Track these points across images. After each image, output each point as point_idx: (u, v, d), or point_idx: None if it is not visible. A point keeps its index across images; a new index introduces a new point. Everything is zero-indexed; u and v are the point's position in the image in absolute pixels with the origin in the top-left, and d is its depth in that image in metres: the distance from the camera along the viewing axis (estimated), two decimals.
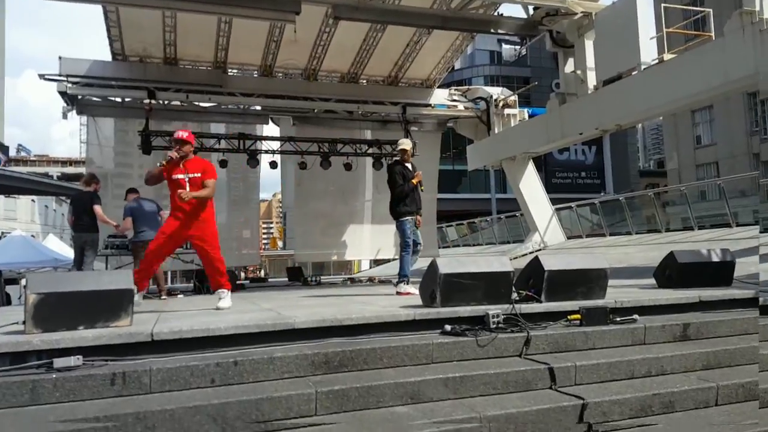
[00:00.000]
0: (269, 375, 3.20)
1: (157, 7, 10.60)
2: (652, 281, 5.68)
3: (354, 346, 3.46)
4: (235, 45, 12.95)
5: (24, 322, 3.49)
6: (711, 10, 10.61)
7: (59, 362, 3.07)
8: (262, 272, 28.38)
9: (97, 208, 8.09)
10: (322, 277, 14.91)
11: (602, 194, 33.51)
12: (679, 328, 4.05)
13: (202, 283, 9.65)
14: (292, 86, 14.23)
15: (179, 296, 8.67)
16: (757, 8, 8.15)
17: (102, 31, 12.13)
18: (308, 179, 15.03)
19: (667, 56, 9.81)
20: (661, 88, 9.46)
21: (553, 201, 15.37)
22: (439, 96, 15.38)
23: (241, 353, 3.31)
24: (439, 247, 19.76)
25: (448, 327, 3.84)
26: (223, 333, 3.45)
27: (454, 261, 4.46)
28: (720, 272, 5.40)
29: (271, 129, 15.39)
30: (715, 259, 5.46)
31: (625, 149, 43.05)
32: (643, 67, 9.88)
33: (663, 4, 11.10)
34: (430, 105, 15.22)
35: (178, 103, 13.81)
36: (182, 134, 5.24)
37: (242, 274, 22.55)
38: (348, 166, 14.45)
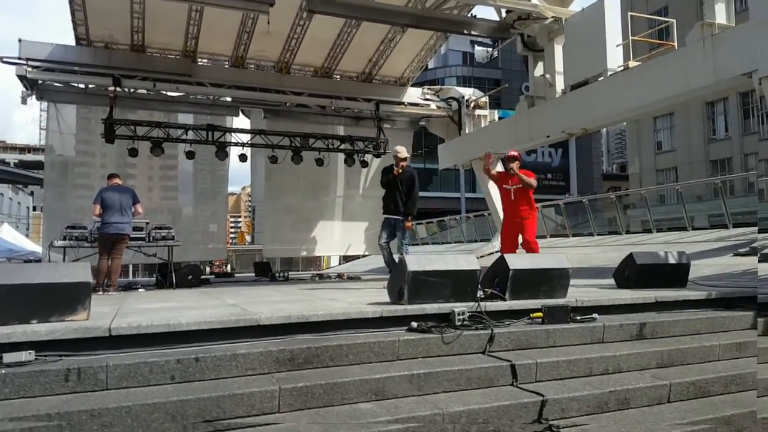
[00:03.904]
0: (232, 372, 3.15)
1: None
2: (612, 281, 5.85)
3: (320, 342, 3.44)
4: (206, 34, 12.69)
5: None
6: (675, 20, 10.96)
7: (9, 357, 2.95)
8: (229, 267, 27.95)
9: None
10: (290, 273, 14.78)
11: (566, 196, 34.31)
12: (636, 328, 4.19)
13: (165, 277, 9.42)
14: (264, 78, 14.04)
15: (140, 290, 8.44)
16: (717, 20, 8.46)
17: (65, 15, 11.73)
18: (278, 173, 14.89)
19: (632, 63, 10.08)
20: (626, 95, 9.72)
21: None
22: (412, 94, 15.46)
23: (203, 349, 3.24)
24: (410, 245, 19.81)
25: (414, 324, 3.86)
26: (185, 329, 3.38)
27: (423, 259, 4.47)
28: (675, 274, 5.60)
29: (241, 121, 15.19)
30: (672, 261, 5.65)
31: (590, 153, 44.16)
32: (609, 73, 10.13)
33: (630, 13, 11.43)
34: (403, 103, 15.28)
35: (144, 91, 13.43)
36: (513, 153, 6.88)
37: (207, 269, 22.14)
38: (320, 162, 14.37)
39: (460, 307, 3.98)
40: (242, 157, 14.28)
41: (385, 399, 3.17)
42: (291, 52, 13.69)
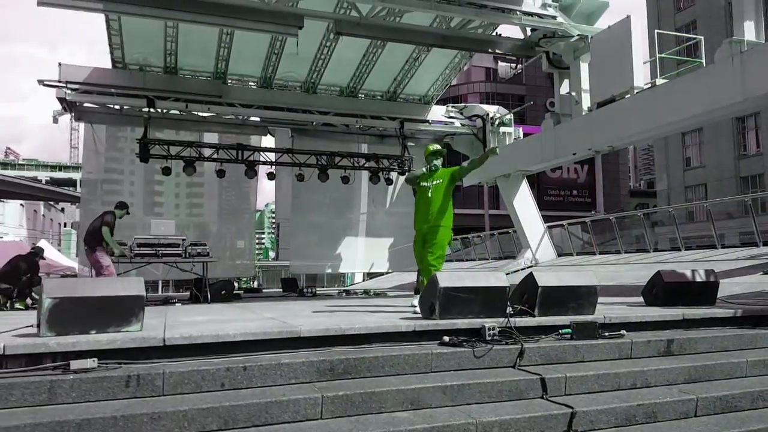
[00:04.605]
0: (277, 380, 3.36)
1: (161, 18, 10.80)
2: (640, 299, 5.90)
3: (357, 354, 3.63)
4: (236, 56, 13.20)
5: (38, 325, 3.63)
6: (703, 37, 10.96)
7: (75, 364, 3.22)
8: (256, 283, 28.37)
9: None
10: (317, 289, 15.01)
11: (593, 213, 33.96)
12: (664, 344, 4.26)
13: (200, 291, 9.74)
14: (291, 98, 14.47)
15: (177, 304, 8.77)
16: (746, 38, 8.50)
17: (99, 40, 12.33)
18: (305, 191, 15.19)
19: (659, 81, 10.15)
20: (653, 112, 9.77)
21: (545, 218, 15.64)
22: (437, 112, 15.68)
23: (249, 359, 3.47)
24: None
25: (446, 338, 4.02)
26: (232, 339, 3.63)
27: (453, 276, 4.64)
28: (704, 291, 5.63)
29: (268, 140, 15.60)
30: (699, 279, 5.69)
31: (617, 169, 43.67)
32: (636, 91, 10.21)
33: (657, 30, 11.48)
34: (427, 121, 15.51)
35: (177, 112, 13.98)
36: None
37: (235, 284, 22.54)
38: (345, 179, 14.65)
39: (491, 323, 4.12)
40: (270, 176, 14.66)
41: (420, 408, 3.33)
42: (318, 72, 14.09)
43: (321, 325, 3.95)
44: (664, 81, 10.02)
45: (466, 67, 40.58)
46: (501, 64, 43.36)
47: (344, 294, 13.32)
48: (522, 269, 13.21)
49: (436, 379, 3.54)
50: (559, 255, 15.00)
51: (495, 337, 4.04)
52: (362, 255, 16.58)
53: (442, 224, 5.49)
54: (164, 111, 13.83)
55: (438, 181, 5.61)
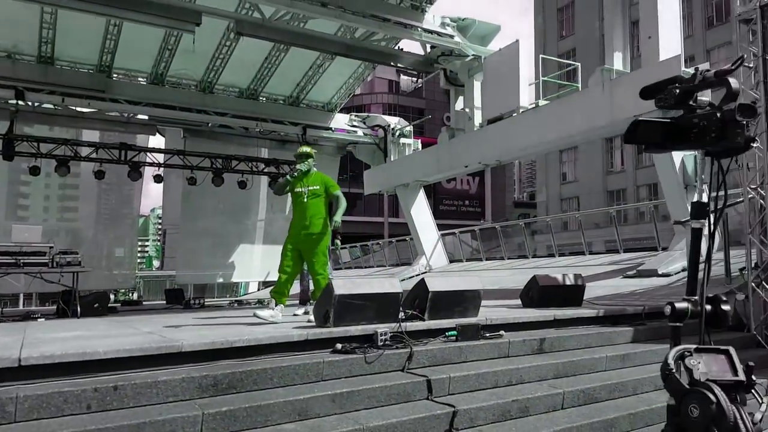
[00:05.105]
0: (152, 399, 3.13)
1: (36, 2, 9.79)
2: (519, 301, 6.38)
3: (244, 367, 3.50)
4: (124, 49, 12.33)
5: None
6: (580, 64, 12.18)
7: None
8: (136, 294, 26.09)
9: None
10: (206, 300, 14.28)
11: (482, 222, 36.06)
12: (537, 343, 4.66)
13: (68, 305, 8.86)
14: (184, 97, 13.78)
15: (40, 320, 7.89)
16: (615, 67, 9.57)
17: None
18: (197, 196, 14.50)
19: (541, 102, 11.07)
20: (536, 131, 10.62)
21: (441, 227, 16.34)
22: (340, 120, 15.80)
23: (122, 378, 3.19)
24: (333, 269, 19.88)
25: (339, 345, 4.04)
26: (102, 357, 3.30)
27: (349, 283, 4.67)
28: (572, 294, 6.23)
29: (157, 140, 14.74)
30: (569, 283, 6.29)
31: (504, 182, 46.77)
32: (521, 110, 11.04)
33: (541, 55, 12.54)
34: (330, 128, 15.56)
35: (51, 106, 12.69)
36: None
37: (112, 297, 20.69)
38: (242, 184, 14.23)
39: (383, 328, 4.23)
40: (158, 178, 13.84)
41: (308, 419, 3.30)
42: (215, 71, 13.60)
43: (206, 339, 3.77)
44: (546, 102, 10.97)
45: (370, 78, 41.28)
46: (403, 77, 44.65)
47: (236, 305, 12.85)
48: (417, 275, 13.67)
49: (325, 387, 3.53)
50: (451, 261, 15.75)
51: (387, 342, 4.15)
52: (258, 263, 16.14)
53: (322, 231, 5.45)
54: (36, 104, 12.51)
55: (315, 187, 5.51)
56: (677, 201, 9.20)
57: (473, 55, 12.32)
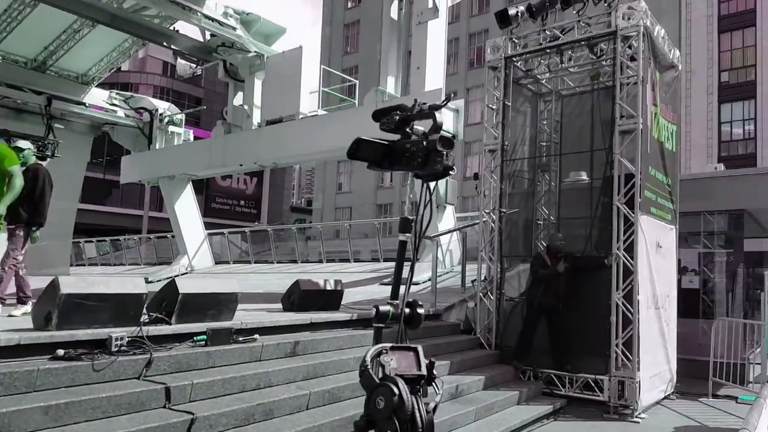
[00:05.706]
0: None
1: None
2: (280, 305, 6.42)
3: None
4: None
5: None
6: (358, 81, 13.01)
7: None
8: None
9: None
10: None
11: (256, 224, 35.71)
12: (290, 346, 4.73)
13: None
14: None
15: None
16: (388, 89, 10.48)
17: None
18: None
19: (320, 112, 11.47)
20: (313, 139, 10.94)
21: (211, 226, 15.56)
22: (97, 96, 13.88)
23: None
24: (73, 265, 17.22)
25: (61, 351, 3.54)
26: None
27: (82, 280, 4.17)
28: (331, 299, 6.53)
29: None
30: (329, 288, 6.59)
31: (283, 185, 47.24)
32: (301, 116, 11.25)
33: (323, 66, 13.02)
34: (83, 104, 13.52)
35: None
36: None
37: None
38: None
39: (119, 333, 3.79)
40: None
41: None
42: None
43: None
44: (324, 113, 11.42)
45: (142, 55, 37.32)
46: (181, 61, 41.59)
47: None
48: (177, 276, 12.70)
49: (37, 399, 3.05)
50: (217, 263, 15.09)
51: (123, 348, 3.73)
52: None
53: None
54: None
55: None
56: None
57: (256, 52, 12.14)
